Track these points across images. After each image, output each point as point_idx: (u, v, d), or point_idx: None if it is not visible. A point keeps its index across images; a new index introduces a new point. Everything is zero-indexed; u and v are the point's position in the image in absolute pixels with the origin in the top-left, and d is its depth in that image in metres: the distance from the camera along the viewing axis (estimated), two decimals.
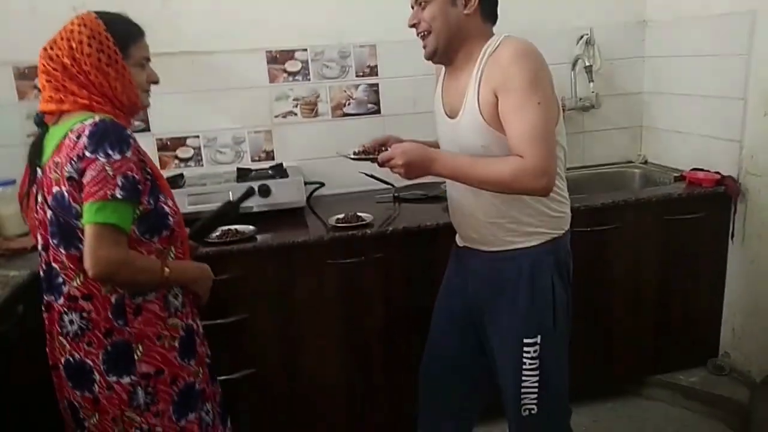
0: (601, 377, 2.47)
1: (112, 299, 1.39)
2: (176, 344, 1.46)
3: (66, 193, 1.33)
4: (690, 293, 2.49)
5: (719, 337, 2.57)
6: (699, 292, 2.51)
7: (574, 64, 2.74)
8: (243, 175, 2.43)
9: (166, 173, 2.47)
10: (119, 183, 1.30)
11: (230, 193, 2.28)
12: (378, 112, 2.71)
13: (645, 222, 2.36)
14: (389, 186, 2.59)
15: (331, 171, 2.64)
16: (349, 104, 2.67)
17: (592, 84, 2.72)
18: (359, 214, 2.25)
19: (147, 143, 2.50)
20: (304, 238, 2.14)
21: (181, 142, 2.55)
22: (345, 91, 2.66)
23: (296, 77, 2.59)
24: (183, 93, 2.50)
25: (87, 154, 1.30)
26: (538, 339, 1.64)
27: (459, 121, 1.59)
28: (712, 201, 2.40)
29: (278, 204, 2.34)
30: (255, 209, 2.30)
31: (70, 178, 1.32)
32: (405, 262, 2.22)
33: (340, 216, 2.24)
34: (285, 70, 2.58)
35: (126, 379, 1.40)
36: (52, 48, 1.38)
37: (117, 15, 1.44)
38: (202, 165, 2.59)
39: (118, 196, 1.29)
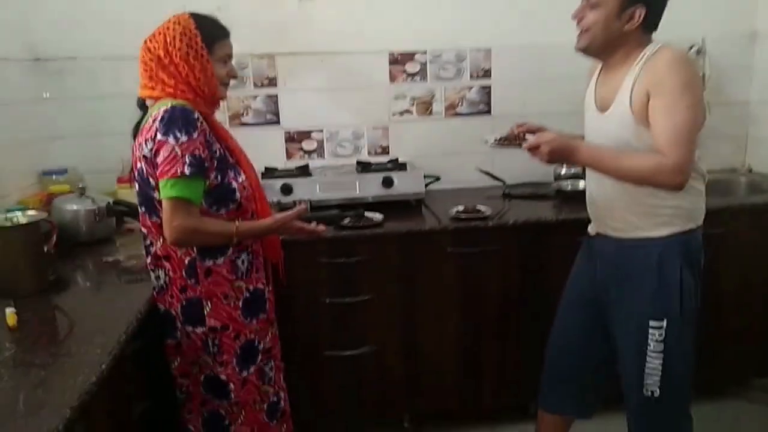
0: (706, 377, 2.50)
1: (186, 261, 1.58)
2: (240, 304, 1.64)
3: (144, 168, 1.53)
4: None
5: None
6: None
7: None
8: (365, 167, 2.59)
9: (293, 163, 2.69)
10: (187, 161, 1.48)
11: (356, 183, 2.46)
12: (488, 112, 2.83)
13: (757, 227, 2.41)
14: (501, 183, 2.71)
15: (442, 166, 2.78)
16: (461, 104, 2.81)
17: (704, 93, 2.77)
18: (478, 206, 2.37)
19: (276, 135, 2.71)
20: (429, 226, 2.28)
21: (306, 135, 2.74)
22: (459, 92, 2.80)
23: (415, 78, 2.75)
24: (311, 90, 2.69)
25: (159, 136, 1.49)
26: (664, 323, 1.72)
27: (608, 114, 1.71)
28: None
29: (400, 195, 2.48)
30: (379, 199, 2.46)
31: (145, 157, 1.52)
32: (521, 254, 2.33)
33: (461, 208, 2.36)
34: (405, 71, 2.74)
35: (199, 330, 1.60)
36: (150, 41, 1.57)
37: (207, 17, 1.62)
38: (324, 157, 2.76)
39: (187, 172, 1.48)
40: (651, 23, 1.69)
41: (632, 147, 1.65)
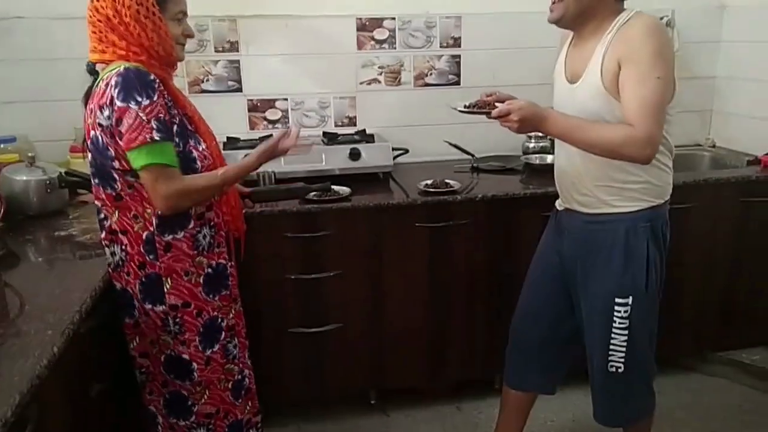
0: (665, 351, 2.55)
1: (143, 235, 1.50)
2: (201, 280, 1.58)
3: (100, 137, 1.44)
4: (759, 275, 2.55)
5: None
6: None
7: None
8: (331, 138, 2.52)
9: (256, 133, 2.60)
10: (154, 126, 1.39)
11: (323, 155, 2.40)
12: (458, 83, 2.78)
13: (721, 202, 2.43)
14: (469, 156, 2.67)
15: (410, 139, 2.72)
16: (430, 74, 2.75)
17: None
18: (447, 180, 2.34)
19: (238, 103, 2.61)
20: (397, 200, 2.23)
21: (270, 104, 2.64)
22: (428, 62, 2.73)
23: (383, 45, 2.67)
24: (275, 55, 2.59)
25: (118, 103, 1.38)
26: (630, 300, 1.73)
27: (579, 85, 1.68)
28: None
29: (367, 168, 2.43)
30: (345, 172, 2.40)
31: (101, 125, 1.42)
32: (489, 228, 2.31)
33: (429, 182, 2.32)
34: (373, 38, 2.65)
35: (159, 308, 1.54)
36: (97, 0, 1.45)
37: None
38: (288, 127, 2.67)
39: (156, 138, 1.39)
40: None
41: (602, 119, 1.63)
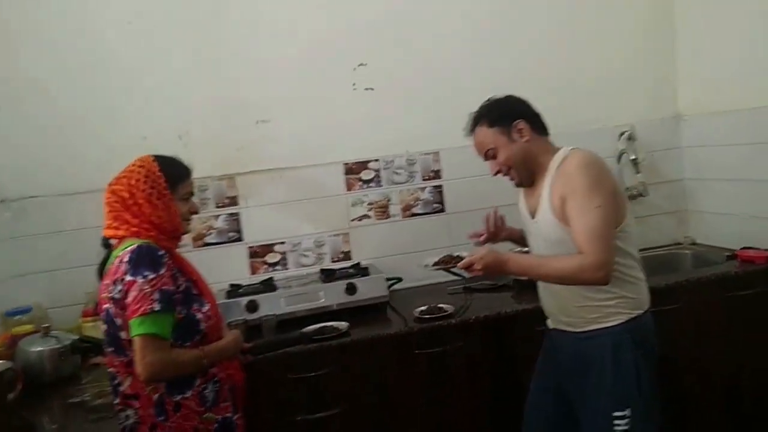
0: None
1: (154, 398, 1.60)
2: None
3: (111, 309, 1.58)
4: (759, 369, 2.57)
5: None
6: None
7: (620, 158, 3.00)
8: (328, 275, 2.65)
9: (257, 277, 2.74)
10: (156, 297, 1.53)
11: (321, 293, 2.52)
12: (442, 210, 2.96)
13: (707, 300, 2.51)
14: (460, 277, 2.79)
15: (402, 266, 2.85)
16: (416, 205, 2.94)
17: (639, 175, 2.96)
18: (440, 305, 2.44)
19: (240, 252, 2.78)
20: (394, 330, 2.32)
21: (269, 248, 2.81)
22: (413, 194, 2.93)
23: (370, 184, 2.88)
24: (271, 204, 2.79)
25: (127, 277, 1.54)
26: (628, 411, 1.79)
27: (538, 220, 1.87)
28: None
29: (364, 300, 2.53)
30: (343, 306, 2.50)
31: (112, 298, 1.57)
32: (485, 348, 2.38)
33: (423, 308, 2.43)
34: (360, 179, 2.87)
35: None
36: (115, 184, 1.67)
37: (171, 158, 1.73)
38: (288, 268, 2.83)
39: (156, 308, 1.53)
40: (539, 127, 1.89)
41: (566, 244, 1.77)
